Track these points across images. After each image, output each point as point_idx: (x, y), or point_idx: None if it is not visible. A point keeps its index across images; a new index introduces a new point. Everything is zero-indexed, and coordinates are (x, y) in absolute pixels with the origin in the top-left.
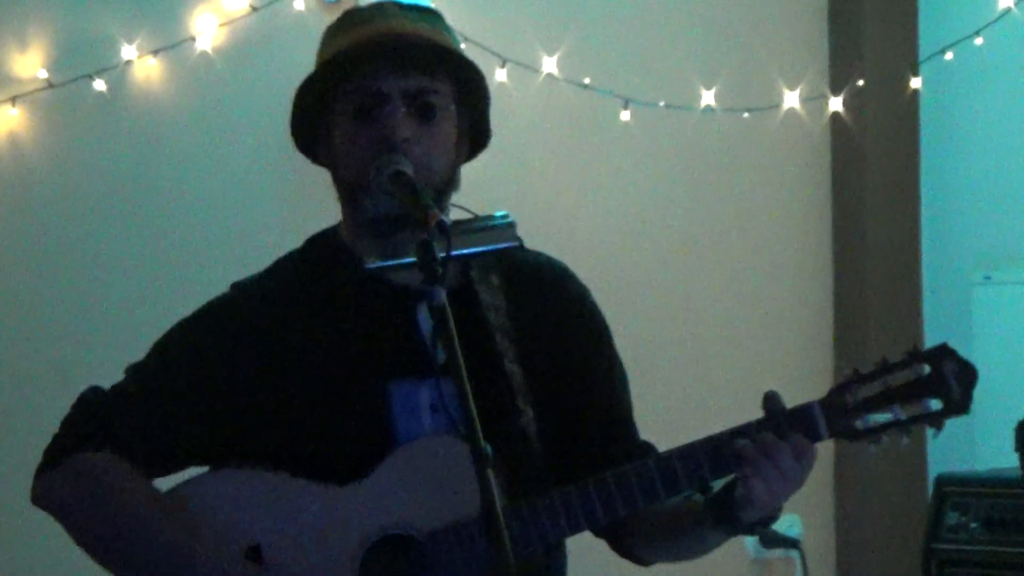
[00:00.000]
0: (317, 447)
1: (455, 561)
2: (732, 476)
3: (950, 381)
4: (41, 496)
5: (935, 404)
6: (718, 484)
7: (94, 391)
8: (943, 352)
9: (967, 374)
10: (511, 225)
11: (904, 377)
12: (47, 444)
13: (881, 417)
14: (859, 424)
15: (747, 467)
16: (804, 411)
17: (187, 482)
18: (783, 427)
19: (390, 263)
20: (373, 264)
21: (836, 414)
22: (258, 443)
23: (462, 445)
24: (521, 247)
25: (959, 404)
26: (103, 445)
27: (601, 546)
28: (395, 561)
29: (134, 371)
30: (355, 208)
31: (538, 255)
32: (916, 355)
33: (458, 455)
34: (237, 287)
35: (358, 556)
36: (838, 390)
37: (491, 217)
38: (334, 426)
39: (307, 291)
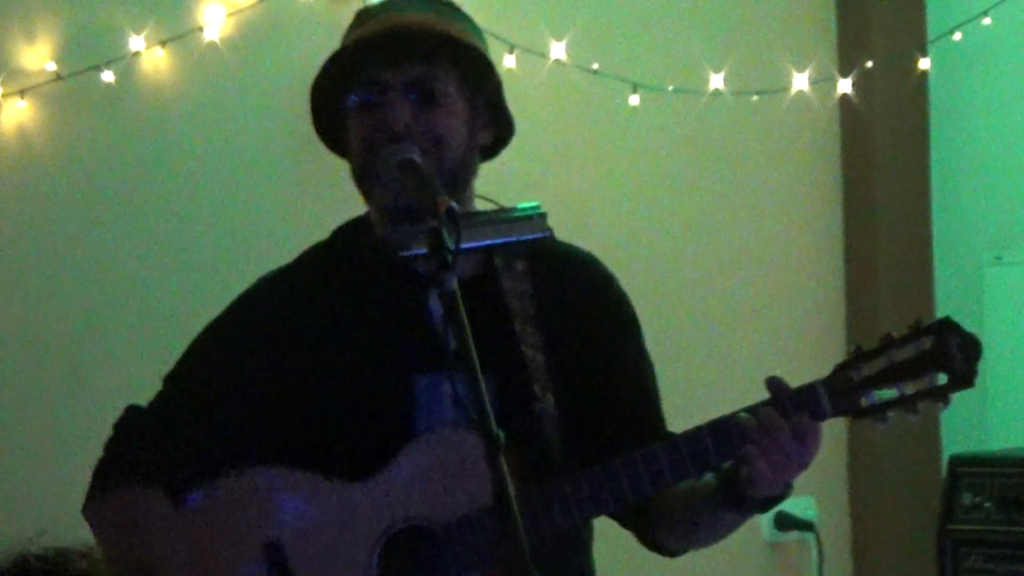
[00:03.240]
0: (342, 440)
1: (471, 551)
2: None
3: (954, 354)
4: (91, 519)
5: (940, 378)
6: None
7: (134, 411)
8: (946, 326)
9: (971, 347)
10: (543, 216)
11: (908, 352)
12: (96, 465)
13: (886, 393)
14: (864, 401)
15: (750, 444)
16: (807, 390)
17: (209, 481)
18: (787, 407)
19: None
20: (407, 251)
21: (840, 392)
22: (286, 437)
23: (474, 436)
24: (551, 237)
25: (964, 377)
26: (149, 476)
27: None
28: (412, 553)
29: (170, 382)
30: (369, 199)
31: (567, 246)
32: (919, 330)
33: (472, 446)
34: (262, 282)
35: (376, 549)
36: (842, 368)
37: (523, 208)
38: (359, 419)
39: (331, 284)
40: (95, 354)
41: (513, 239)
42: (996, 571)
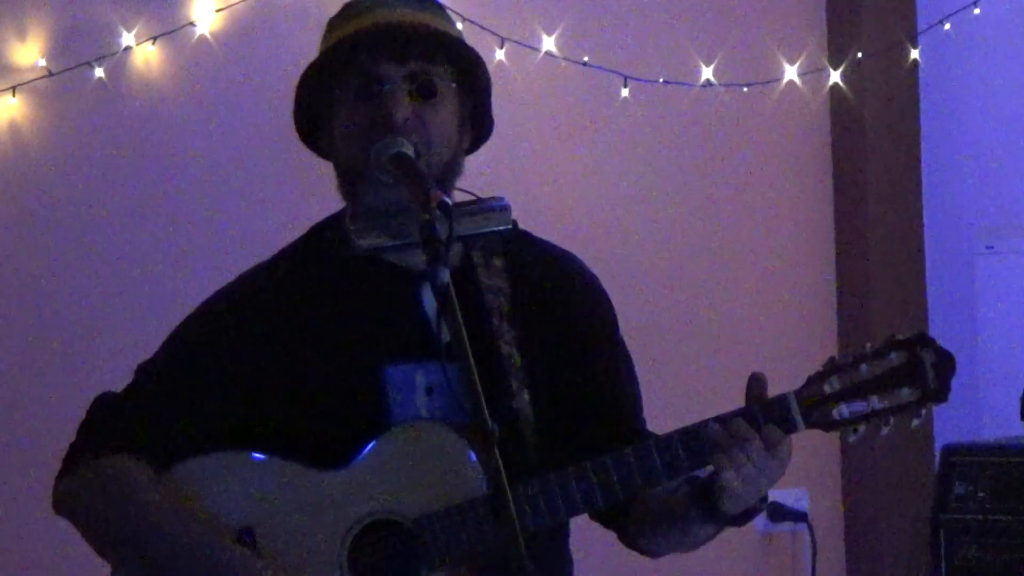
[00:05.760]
0: (315, 430)
1: (442, 547)
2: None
3: (927, 370)
4: (58, 503)
5: (913, 393)
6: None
7: (106, 395)
8: (921, 340)
9: (945, 363)
10: (505, 209)
11: (882, 366)
12: (65, 451)
13: (858, 407)
14: (836, 414)
15: (720, 456)
16: (778, 402)
17: (182, 464)
18: (757, 418)
19: (384, 244)
20: (366, 243)
21: (812, 405)
22: (260, 427)
23: (449, 432)
24: (513, 231)
25: (936, 393)
26: (118, 448)
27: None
28: (382, 546)
29: (144, 369)
30: (355, 200)
31: (546, 243)
32: (893, 344)
33: (445, 442)
34: (241, 277)
35: (346, 540)
36: (814, 380)
37: (486, 200)
38: (331, 409)
39: (307, 277)
40: (89, 351)
41: (475, 231)
42: (989, 560)
